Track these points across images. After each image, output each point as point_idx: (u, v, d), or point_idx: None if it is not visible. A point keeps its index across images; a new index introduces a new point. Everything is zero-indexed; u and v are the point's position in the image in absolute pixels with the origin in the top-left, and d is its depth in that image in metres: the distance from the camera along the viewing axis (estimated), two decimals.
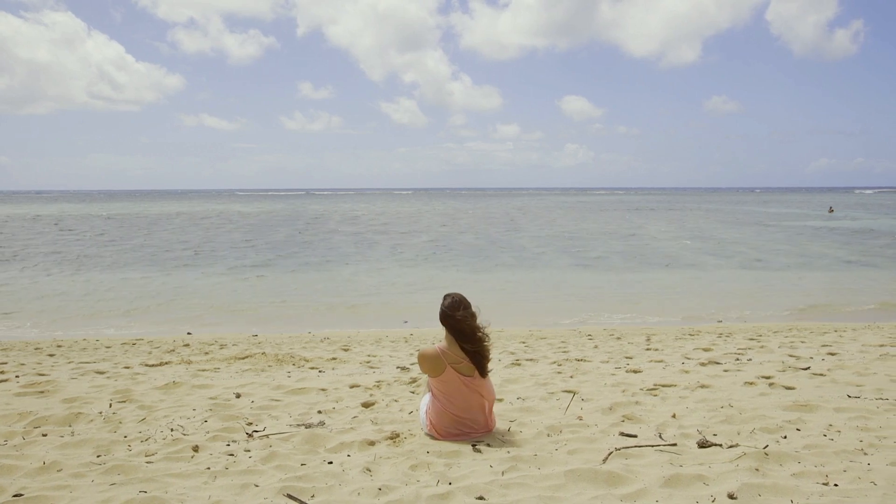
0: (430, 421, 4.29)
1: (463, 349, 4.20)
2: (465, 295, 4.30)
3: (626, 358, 7.79)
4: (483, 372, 4.26)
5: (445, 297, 4.35)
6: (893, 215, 52.95)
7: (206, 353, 8.71)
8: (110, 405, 5.21)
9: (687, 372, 6.52)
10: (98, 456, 3.89)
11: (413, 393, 5.69)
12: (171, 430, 4.49)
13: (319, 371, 7.12)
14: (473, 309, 4.27)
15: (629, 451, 3.86)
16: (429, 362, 4.24)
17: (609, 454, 3.77)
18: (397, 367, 7.16)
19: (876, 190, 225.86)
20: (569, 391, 5.60)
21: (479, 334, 4.22)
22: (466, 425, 4.24)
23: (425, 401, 4.45)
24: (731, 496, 3.02)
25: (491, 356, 4.35)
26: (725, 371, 6.53)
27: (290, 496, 3.08)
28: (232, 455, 3.93)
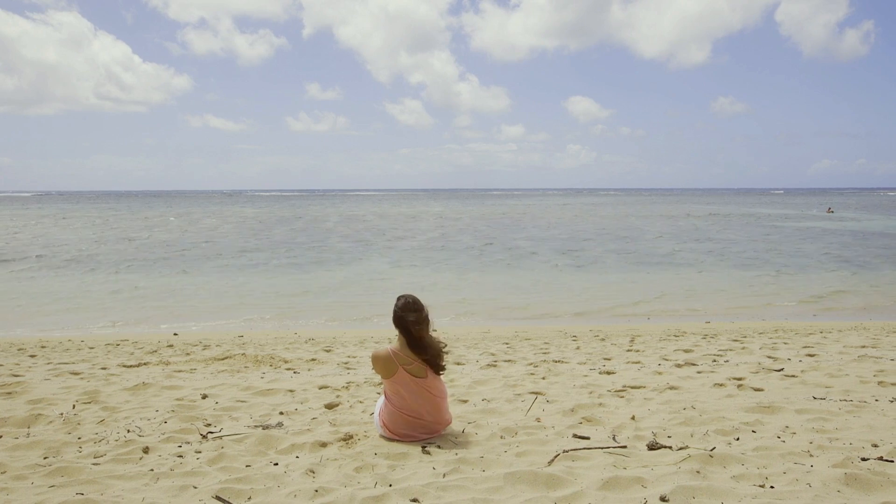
0: (384, 422, 4.28)
1: (414, 352, 4.19)
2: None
3: (605, 359, 7.74)
4: (437, 370, 4.24)
5: (398, 298, 4.34)
6: (891, 216, 52.63)
7: (188, 354, 8.71)
8: (73, 406, 5.21)
9: (660, 374, 6.47)
10: (45, 458, 3.88)
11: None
12: (128, 431, 4.49)
13: (294, 372, 7.11)
14: (426, 312, 4.26)
15: (578, 453, 3.83)
16: (380, 363, 4.23)
17: (556, 456, 3.74)
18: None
19: None
20: (536, 392, 5.57)
21: (427, 341, 4.19)
22: (419, 426, 4.22)
23: (379, 402, 4.43)
24: (663, 499, 2.98)
25: (445, 355, 4.32)
26: (699, 373, 6.48)
27: (218, 498, 3.07)
28: (181, 457, 3.92)
